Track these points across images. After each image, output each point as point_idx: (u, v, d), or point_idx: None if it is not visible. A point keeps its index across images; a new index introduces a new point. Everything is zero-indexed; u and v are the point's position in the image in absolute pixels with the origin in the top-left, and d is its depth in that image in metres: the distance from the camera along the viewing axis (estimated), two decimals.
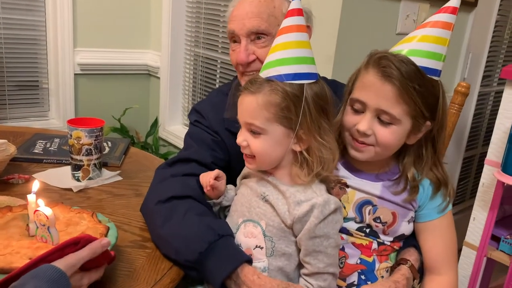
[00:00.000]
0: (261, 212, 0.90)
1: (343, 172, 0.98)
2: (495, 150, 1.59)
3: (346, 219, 0.95)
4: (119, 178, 1.34)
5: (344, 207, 0.95)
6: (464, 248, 1.69)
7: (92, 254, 0.75)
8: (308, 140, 0.86)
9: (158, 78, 2.68)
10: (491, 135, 1.62)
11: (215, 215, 1.01)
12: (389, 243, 0.97)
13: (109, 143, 1.58)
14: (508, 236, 1.60)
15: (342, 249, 0.95)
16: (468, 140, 2.56)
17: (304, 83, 0.85)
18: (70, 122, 1.25)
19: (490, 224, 1.59)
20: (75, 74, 2.47)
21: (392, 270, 0.97)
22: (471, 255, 1.66)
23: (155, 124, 2.71)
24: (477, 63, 2.35)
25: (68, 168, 1.31)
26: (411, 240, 1.00)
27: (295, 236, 0.88)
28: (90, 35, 2.47)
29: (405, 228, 0.97)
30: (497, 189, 1.55)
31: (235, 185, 1.04)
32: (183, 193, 0.99)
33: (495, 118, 1.62)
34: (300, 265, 0.89)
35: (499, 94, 2.54)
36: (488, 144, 1.64)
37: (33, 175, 1.28)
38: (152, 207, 1.01)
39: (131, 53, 2.65)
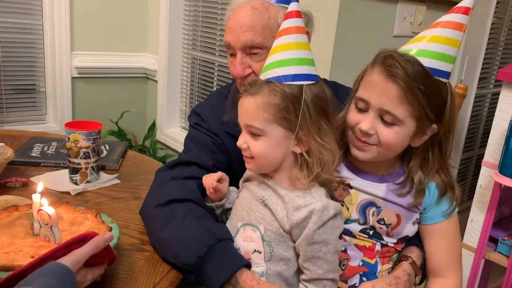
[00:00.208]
0: (260, 216, 0.90)
1: (346, 173, 0.97)
2: (492, 152, 1.60)
3: (349, 220, 0.94)
4: (117, 181, 1.34)
5: (348, 209, 0.94)
6: (462, 250, 1.69)
7: (96, 248, 0.76)
8: (308, 141, 0.86)
9: (156, 81, 2.68)
10: (488, 137, 1.63)
11: (214, 218, 1.00)
12: (392, 245, 0.96)
13: (107, 146, 1.58)
14: (506, 238, 1.60)
15: (345, 251, 0.94)
16: (465, 142, 2.57)
17: (303, 84, 0.85)
18: (68, 125, 1.25)
19: (487, 225, 1.59)
20: (73, 78, 2.47)
21: (393, 267, 0.97)
22: (469, 256, 1.66)
23: (152, 127, 2.71)
24: (474, 65, 2.36)
25: (65, 172, 1.31)
26: (413, 240, 1.00)
27: (294, 241, 0.87)
28: (87, 38, 2.47)
29: (410, 230, 0.96)
30: (495, 190, 1.56)
31: (236, 187, 1.03)
32: (182, 196, 0.98)
33: (492, 120, 1.62)
34: (299, 270, 0.89)
35: (495, 96, 2.55)
36: (485, 146, 1.64)
37: (30, 179, 1.28)
38: (152, 210, 1.00)
39: (129, 56, 2.65)
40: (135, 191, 1.28)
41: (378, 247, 0.95)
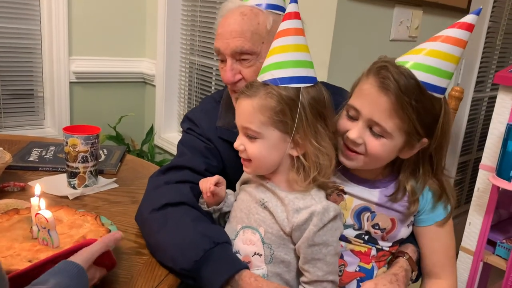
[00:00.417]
0: (260, 218, 0.90)
1: (340, 179, 0.96)
2: (489, 155, 1.60)
3: (344, 226, 0.94)
4: (115, 185, 1.34)
5: (343, 214, 0.94)
6: (460, 253, 1.69)
7: (105, 247, 0.78)
8: (305, 144, 0.86)
9: (154, 86, 2.68)
10: (485, 140, 1.63)
11: (210, 220, 1.00)
12: (387, 249, 0.96)
13: (105, 150, 1.58)
14: (504, 241, 1.60)
15: (341, 257, 0.94)
16: (463, 146, 2.58)
17: (300, 87, 0.85)
18: (66, 129, 1.25)
19: (486, 228, 1.59)
20: (71, 83, 2.47)
21: (390, 263, 0.97)
22: (468, 260, 1.66)
23: (150, 132, 2.71)
24: (470, 69, 2.37)
25: (63, 176, 1.31)
26: (408, 239, 1.00)
27: (294, 244, 0.87)
28: (85, 43, 2.48)
29: (405, 232, 0.97)
30: (492, 193, 1.56)
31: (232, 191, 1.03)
32: (177, 200, 0.99)
33: (489, 123, 1.63)
34: (300, 273, 0.88)
35: (492, 100, 2.56)
36: (482, 149, 1.65)
37: (28, 183, 1.27)
38: (147, 215, 1.00)
39: (127, 61, 2.66)
40: (133, 195, 1.28)
41: (373, 252, 0.95)
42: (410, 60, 0.85)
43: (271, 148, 0.86)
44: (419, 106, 0.83)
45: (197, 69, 2.52)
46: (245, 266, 0.87)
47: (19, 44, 2.37)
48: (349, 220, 0.94)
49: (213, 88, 2.44)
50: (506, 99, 1.55)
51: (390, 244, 0.96)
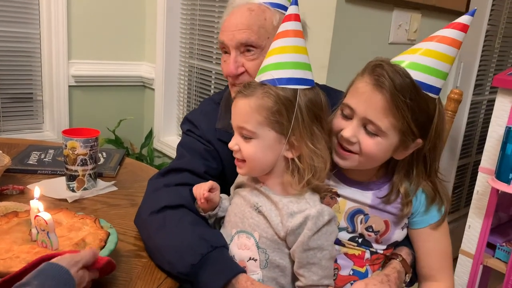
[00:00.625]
0: (254, 223, 0.89)
1: (333, 181, 0.96)
2: (488, 158, 1.60)
3: (338, 229, 0.93)
4: (114, 188, 1.34)
5: (336, 218, 0.94)
6: (460, 256, 1.69)
7: (93, 255, 0.77)
8: (300, 146, 0.85)
9: (153, 89, 2.68)
10: (484, 143, 1.63)
11: (208, 224, 1.00)
12: (382, 252, 0.96)
13: (104, 153, 1.58)
14: (504, 244, 1.60)
15: (335, 260, 0.93)
16: (462, 149, 2.58)
17: (298, 88, 0.85)
18: (65, 132, 1.25)
19: (485, 231, 1.59)
20: (70, 86, 2.47)
21: (383, 265, 0.96)
22: (467, 263, 1.66)
23: (149, 135, 2.71)
24: (469, 72, 2.37)
25: (62, 179, 1.30)
26: (403, 242, 0.99)
27: (289, 248, 0.86)
28: (84, 47, 2.48)
29: (399, 235, 0.96)
30: (492, 196, 1.56)
31: (229, 194, 1.03)
32: (176, 203, 0.98)
33: (487, 126, 1.63)
34: (295, 278, 0.88)
35: (491, 103, 2.56)
36: (481, 152, 1.65)
37: (27, 186, 1.27)
38: (146, 218, 1.00)
39: (126, 65, 2.66)
40: (132, 198, 1.28)
41: (367, 255, 0.95)
42: (406, 59, 0.86)
43: (266, 149, 0.86)
44: (414, 105, 0.83)
45: (196, 72, 2.52)
46: (242, 270, 0.87)
47: (18, 47, 2.37)
48: (343, 223, 0.94)
49: (212, 91, 2.44)
50: (505, 102, 1.55)
51: (384, 247, 0.96)
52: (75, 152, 1.23)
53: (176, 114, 2.71)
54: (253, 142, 0.86)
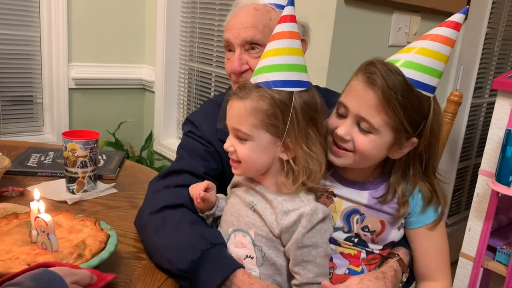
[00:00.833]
0: (250, 221, 0.90)
1: (329, 181, 0.96)
2: (488, 160, 1.61)
3: (334, 228, 0.93)
4: (114, 190, 1.33)
5: (332, 217, 0.93)
6: (460, 259, 1.69)
7: (89, 278, 0.75)
8: (295, 149, 0.85)
9: (153, 92, 2.69)
10: (484, 145, 1.63)
11: (207, 223, 1.01)
12: (378, 252, 0.96)
13: (104, 156, 1.58)
14: (504, 246, 1.60)
15: (330, 259, 0.93)
16: (462, 151, 2.58)
17: (293, 91, 0.84)
18: (65, 134, 1.25)
19: (485, 234, 1.59)
20: (70, 89, 2.47)
21: (380, 265, 0.96)
22: (468, 266, 1.66)
23: (149, 138, 2.71)
24: (469, 75, 2.37)
25: (62, 181, 1.30)
26: (400, 242, 0.99)
27: (284, 246, 0.87)
28: (84, 49, 2.48)
29: (395, 235, 0.96)
30: (492, 199, 1.56)
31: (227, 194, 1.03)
32: (175, 202, 0.99)
33: (487, 129, 1.63)
34: (291, 276, 0.88)
35: (491, 105, 2.57)
36: (481, 155, 1.65)
37: (27, 188, 1.27)
38: (146, 218, 1.01)
39: (126, 67, 2.66)
40: (132, 200, 1.28)
41: (363, 254, 0.95)
42: (401, 58, 0.86)
43: (261, 150, 0.86)
44: (406, 102, 0.83)
45: (196, 75, 2.52)
46: (240, 266, 0.87)
47: (19, 50, 2.37)
48: (339, 223, 0.94)
49: (212, 94, 2.44)
50: (505, 105, 1.55)
51: (380, 247, 0.96)
52: (75, 154, 1.23)
53: (176, 117, 2.71)
54: (248, 144, 0.86)
